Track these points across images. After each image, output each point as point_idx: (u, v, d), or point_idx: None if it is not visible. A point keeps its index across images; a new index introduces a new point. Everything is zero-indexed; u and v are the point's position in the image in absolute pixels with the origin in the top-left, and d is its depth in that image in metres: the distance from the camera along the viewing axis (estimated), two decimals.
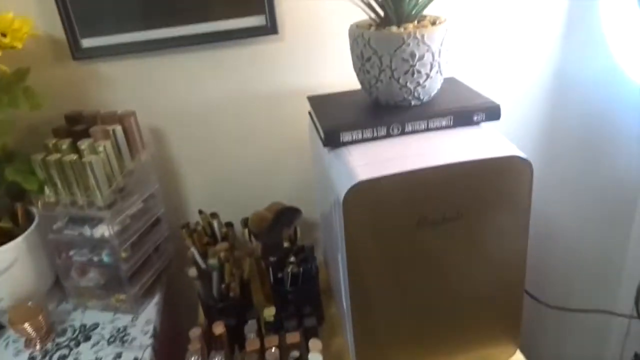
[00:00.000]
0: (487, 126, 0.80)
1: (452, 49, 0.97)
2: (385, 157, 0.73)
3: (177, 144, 1.06)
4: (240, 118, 1.04)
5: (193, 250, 1.02)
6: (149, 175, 0.97)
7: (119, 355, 0.85)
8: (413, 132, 0.79)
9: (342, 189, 0.69)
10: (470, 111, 0.80)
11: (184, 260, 0.99)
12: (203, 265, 0.96)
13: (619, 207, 1.31)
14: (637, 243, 1.35)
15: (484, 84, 1.08)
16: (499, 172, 0.72)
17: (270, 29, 0.95)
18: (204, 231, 1.08)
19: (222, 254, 0.95)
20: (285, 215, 1.04)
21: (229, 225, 1.09)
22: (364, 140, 0.79)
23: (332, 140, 0.78)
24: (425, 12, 0.81)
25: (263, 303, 1.04)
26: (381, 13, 0.80)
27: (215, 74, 1.00)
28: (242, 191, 1.12)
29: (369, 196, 0.70)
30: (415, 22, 0.80)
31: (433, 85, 0.81)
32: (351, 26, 0.82)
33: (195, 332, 0.84)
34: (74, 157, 0.84)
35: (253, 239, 1.07)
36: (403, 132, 0.79)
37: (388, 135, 0.79)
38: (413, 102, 0.82)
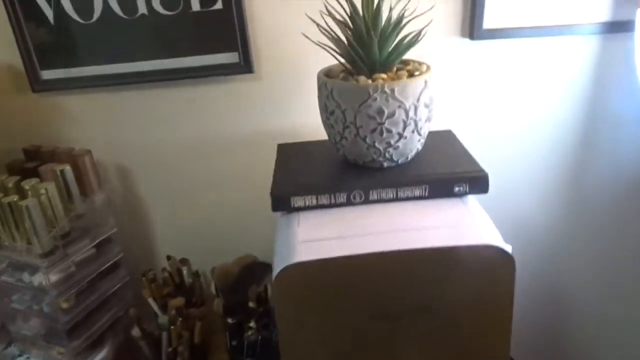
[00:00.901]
0: (471, 200, 0.67)
1: (439, 102, 0.85)
2: (336, 232, 0.61)
3: (145, 184, 0.98)
4: (213, 160, 0.95)
5: (151, 302, 0.93)
6: (104, 218, 0.89)
7: None
8: (379, 200, 0.67)
9: (278, 267, 0.58)
10: (450, 180, 0.66)
11: (147, 309, 0.90)
12: (161, 319, 0.86)
13: None
14: None
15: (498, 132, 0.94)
16: (473, 263, 0.58)
17: (244, 66, 0.85)
18: (171, 279, 0.99)
19: (173, 312, 0.85)
20: (254, 270, 0.93)
21: (196, 275, 1.00)
22: (319, 206, 0.67)
23: (281, 205, 0.67)
24: (420, 56, 0.70)
25: None
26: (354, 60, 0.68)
27: (186, 113, 0.91)
28: (213, 239, 1.02)
29: (307, 281, 0.58)
30: (394, 71, 0.68)
31: (409, 146, 0.68)
32: (319, 72, 0.71)
33: None
34: (15, 198, 0.77)
35: (220, 293, 0.97)
36: (367, 201, 0.67)
37: (349, 202, 0.67)
38: (385, 164, 0.69)
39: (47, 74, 0.86)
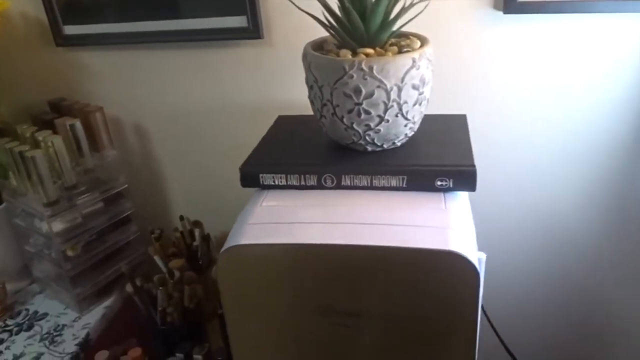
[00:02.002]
0: (455, 197, 0.59)
1: (434, 83, 0.76)
2: (293, 217, 0.58)
3: (160, 144, 0.99)
4: (223, 126, 0.93)
5: (156, 259, 0.96)
6: (115, 174, 0.92)
7: (37, 357, 0.83)
8: (352, 187, 0.62)
9: (225, 245, 0.56)
10: (430, 173, 0.59)
11: (155, 266, 0.93)
12: (156, 278, 0.89)
13: None
14: None
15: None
16: (430, 270, 0.52)
17: (253, 31, 0.81)
18: (182, 240, 1.01)
19: (168, 272, 0.87)
20: None
21: (206, 239, 1.01)
22: (289, 186, 0.63)
23: (251, 181, 0.64)
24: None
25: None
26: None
27: (198, 76, 0.90)
28: (225, 204, 1.02)
29: (249, 264, 0.55)
30: (385, 46, 0.61)
31: (393, 131, 0.61)
32: (310, 42, 0.66)
33: (101, 356, 0.77)
34: (26, 148, 0.82)
35: None
36: (339, 186, 0.62)
37: (320, 186, 0.62)
38: (369, 148, 0.64)
39: (69, 29, 0.88)
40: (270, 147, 0.69)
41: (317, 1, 0.61)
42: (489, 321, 0.86)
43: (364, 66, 0.56)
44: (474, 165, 0.59)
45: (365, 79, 0.57)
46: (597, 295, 0.98)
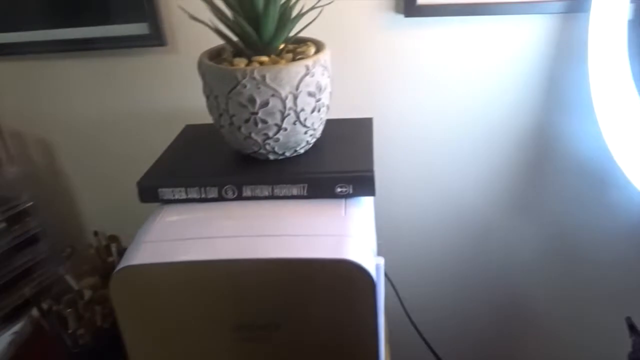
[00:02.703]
0: (354, 203, 0.59)
1: (340, 88, 0.76)
2: (193, 233, 0.56)
3: (66, 158, 0.94)
4: (133, 137, 0.90)
5: (68, 278, 0.91)
6: (17, 192, 0.87)
7: None
8: (254, 197, 0.60)
9: (118, 266, 0.54)
10: (330, 180, 0.59)
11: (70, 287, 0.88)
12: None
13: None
14: None
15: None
16: (327, 279, 0.51)
17: (155, 38, 0.79)
18: (97, 256, 0.96)
19: (80, 292, 0.83)
20: None
21: (123, 253, 0.97)
22: (189, 200, 0.61)
23: (149, 196, 0.62)
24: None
25: None
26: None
27: (103, 85, 0.86)
28: (142, 216, 0.98)
29: (144, 285, 0.53)
30: (280, 52, 0.61)
31: (293, 139, 0.61)
32: (206, 51, 0.64)
33: None
34: None
35: None
36: (240, 197, 0.61)
37: (221, 198, 0.61)
38: (271, 157, 0.63)
39: None
40: (171, 159, 0.67)
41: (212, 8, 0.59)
42: (413, 324, 0.87)
43: (256, 75, 0.55)
44: (371, 170, 0.59)
45: (259, 88, 0.56)
46: (511, 293, 1.01)
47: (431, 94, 0.82)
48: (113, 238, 0.98)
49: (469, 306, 1.03)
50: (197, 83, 0.84)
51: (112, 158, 0.93)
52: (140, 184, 0.61)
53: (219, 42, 0.78)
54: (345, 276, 0.51)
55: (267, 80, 0.55)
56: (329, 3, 0.58)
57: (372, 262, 0.52)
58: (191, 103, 0.85)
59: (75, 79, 0.86)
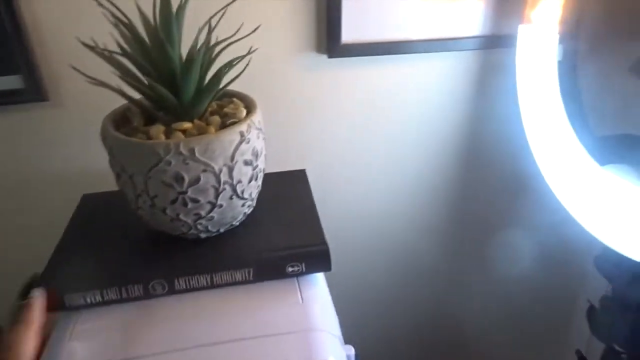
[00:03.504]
0: (308, 282, 0.52)
1: (287, 137, 0.69)
2: (117, 354, 0.44)
3: None
4: (16, 209, 0.74)
5: None
6: None
7: None
8: (189, 289, 0.51)
9: None
10: (279, 260, 0.51)
11: None
12: None
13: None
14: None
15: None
16: None
17: (33, 93, 0.64)
18: None
19: None
20: None
21: None
22: (105, 302, 0.49)
23: (52, 305, 0.49)
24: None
25: None
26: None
27: None
28: None
29: None
30: (204, 115, 0.51)
31: (230, 214, 0.52)
32: (110, 113, 0.52)
33: None
34: None
35: None
36: (172, 291, 0.50)
37: (147, 295, 0.50)
38: (203, 235, 0.53)
39: None
40: (72, 249, 0.54)
41: (110, 66, 0.48)
42: None
43: (182, 149, 0.45)
44: (325, 243, 0.52)
45: (187, 164, 0.46)
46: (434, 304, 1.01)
47: (359, 134, 0.78)
48: None
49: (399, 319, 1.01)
50: (88, 140, 0.71)
51: None
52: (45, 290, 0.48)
53: (108, 92, 0.67)
54: None
55: (197, 154, 0.46)
56: (253, 51, 0.50)
57: (344, 353, 0.46)
58: (84, 164, 0.72)
59: None
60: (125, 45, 0.48)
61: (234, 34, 0.50)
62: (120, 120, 0.53)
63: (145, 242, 0.54)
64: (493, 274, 0.99)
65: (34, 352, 0.40)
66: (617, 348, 0.64)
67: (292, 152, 0.76)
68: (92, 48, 0.47)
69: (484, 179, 0.87)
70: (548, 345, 1.12)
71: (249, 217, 0.56)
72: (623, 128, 0.64)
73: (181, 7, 0.47)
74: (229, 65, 0.49)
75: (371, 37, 0.69)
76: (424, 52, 0.71)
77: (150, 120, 0.51)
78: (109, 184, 0.69)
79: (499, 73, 0.75)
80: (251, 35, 0.50)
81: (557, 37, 0.59)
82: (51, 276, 0.50)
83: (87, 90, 0.66)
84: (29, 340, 0.40)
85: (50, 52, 0.64)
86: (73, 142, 0.70)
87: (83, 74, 0.49)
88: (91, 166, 0.72)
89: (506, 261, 0.97)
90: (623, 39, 0.73)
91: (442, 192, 0.87)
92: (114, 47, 0.47)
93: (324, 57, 0.70)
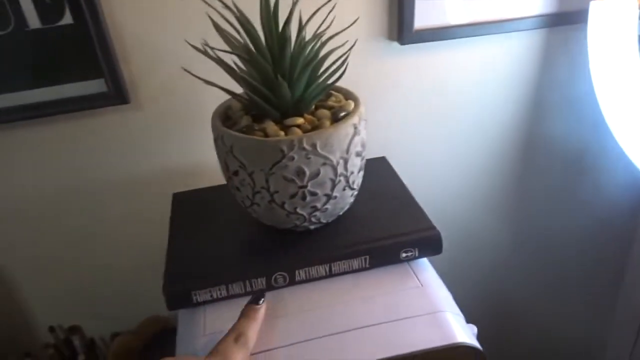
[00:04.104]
0: (419, 266, 0.54)
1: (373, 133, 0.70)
2: (256, 344, 0.46)
3: (10, 247, 0.76)
4: (92, 213, 0.75)
5: None
6: None
7: None
8: (308, 279, 0.52)
9: None
10: (395, 247, 0.53)
11: None
12: None
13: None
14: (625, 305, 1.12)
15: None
16: None
17: (116, 96, 0.65)
18: (58, 355, 0.80)
19: None
20: (166, 339, 0.76)
21: (90, 345, 0.81)
22: (230, 296, 0.51)
23: (180, 302, 0.51)
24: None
25: None
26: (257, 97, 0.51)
27: (55, 155, 0.70)
28: (103, 295, 0.83)
29: None
30: (312, 110, 0.52)
31: (340, 205, 0.53)
32: (214, 114, 0.53)
33: None
34: None
35: None
36: (292, 282, 0.52)
37: (269, 287, 0.51)
38: (312, 227, 0.54)
39: None
40: (187, 249, 0.55)
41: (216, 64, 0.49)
42: None
43: (305, 145, 0.46)
44: (435, 228, 0.54)
45: (309, 158, 0.47)
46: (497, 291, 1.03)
47: (431, 120, 0.79)
48: (74, 329, 0.83)
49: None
50: (168, 141, 0.72)
51: (62, 238, 0.77)
52: (170, 290, 0.50)
53: (186, 93, 0.68)
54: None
55: (318, 148, 0.47)
56: (354, 44, 0.51)
57: (471, 335, 0.47)
58: (163, 163, 0.73)
59: (19, 150, 0.69)
60: (238, 47, 0.49)
61: (328, 27, 0.50)
62: (223, 117, 0.53)
63: (257, 237, 0.55)
64: (547, 255, 1.01)
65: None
66: None
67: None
68: (204, 52, 0.48)
69: (548, 161, 0.88)
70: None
71: (350, 207, 0.57)
72: None
73: (294, 4, 0.48)
74: (341, 59, 0.50)
75: (441, 22, 0.69)
76: (494, 34, 0.72)
77: (254, 117, 0.52)
78: (191, 178, 0.71)
79: (568, 51, 0.76)
80: (325, 25, 0.50)
81: (637, 11, 0.60)
82: (175, 277, 0.51)
83: (161, 90, 0.68)
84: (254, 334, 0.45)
85: (130, 57, 0.65)
86: (153, 142, 0.71)
87: (196, 76, 0.49)
88: (169, 163, 0.72)
89: (562, 235, 0.99)
90: None
91: (505, 175, 0.88)
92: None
93: (396, 44, 0.70)
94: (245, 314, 0.46)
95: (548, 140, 0.86)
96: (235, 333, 0.44)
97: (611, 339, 1.16)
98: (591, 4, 0.65)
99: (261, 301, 0.48)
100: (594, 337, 1.17)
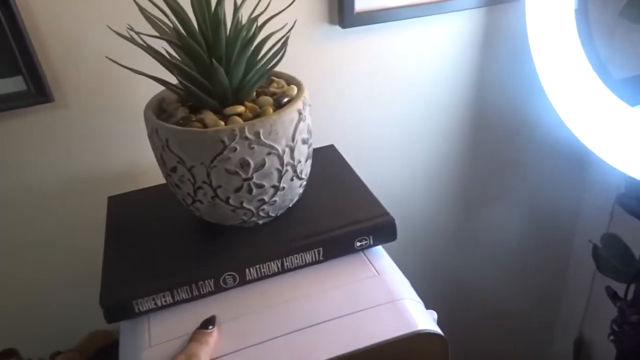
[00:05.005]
0: (374, 254, 0.52)
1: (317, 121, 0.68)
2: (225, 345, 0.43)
3: None
4: (22, 220, 0.68)
5: None
6: None
7: None
8: (259, 278, 0.49)
9: None
10: (349, 236, 0.50)
11: None
12: None
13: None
14: (573, 289, 1.16)
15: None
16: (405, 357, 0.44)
17: (38, 94, 0.59)
18: None
19: None
20: (112, 356, 0.71)
21: None
22: (176, 302, 0.47)
23: (120, 313, 0.46)
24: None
25: None
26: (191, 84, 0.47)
27: None
28: (39, 312, 0.76)
29: None
30: (253, 97, 0.49)
31: (289, 196, 0.50)
32: (147, 107, 0.49)
33: None
34: None
35: None
36: (243, 282, 0.49)
37: (218, 289, 0.48)
38: (261, 222, 0.51)
39: None
40: (125, 255, 0.51)
41: (146, 52, 0.45)
42: None
43: (248, 134, 0.43)
44: (388, 213, 0.52)
45: (252, 148, 0.44)
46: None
47: (374, 103, 0.77)
48: (9, 353, 0.76)
49: None
50: (100, 140, 0.67)
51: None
52: (107, 302, 0.45)
53: (118, 87, 0.63)
54: (423, 349, 0.44)
55: (262, 136, 0.44)
56: (290, 29, 0.48)
57: (431, 320, 0.46)
58: (100, 166, 0.68)
59: None
60: (170, 33, 0.45)
61: (266, 9, 0.48)
62: (158, 110, 0.50)
63: (201, 236, 0.52)
64: (498, 232, 1.03)
65: None
66: None
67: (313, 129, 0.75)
68: (130, 39, 0.44)
69: (493, 136, 0.89)
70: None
71: (300, 198, 0.55)
72: (631, 70, 0.67)
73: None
74: (280, 42, 0.47)
75: (382, 4, 0.68)
76: (434, 14, 0.71)
77: (190, 108, 0.49)
78: (127, 181, 0.66)
79: (508, 28, 0.76)
80: (262, 7, 0.47)
81: None
82: (113, 287, 0.47)
83: (88, 87, 0.63)
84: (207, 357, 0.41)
85: (49, 50, 0.59)
86: (84, 142, 0.65)
87: (123, 66, 0.45)
88: (106, 166, 0.67)
89: (511, 214, 1.00)
90: None
91: (453, 154, 0.88)
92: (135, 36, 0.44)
93: (337, 27, 0.68)
94: (196, 339, 0.42)
95: (494, 118, 0.86)
96: (186, 354, 0.40)
97: (559, 317, 1.20)
98: None
99: (210, 327, 0.44)
100: (544, 314, 1.20)
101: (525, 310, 1.19)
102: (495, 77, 0.82)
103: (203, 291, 0.47)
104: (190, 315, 0.46)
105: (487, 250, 1.04)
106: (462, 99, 0.82)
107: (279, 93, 0.49)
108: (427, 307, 0.49)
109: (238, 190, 0.46)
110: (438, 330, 0.44)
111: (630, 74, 0.65)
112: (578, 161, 0.95)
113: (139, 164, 0.68)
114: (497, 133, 0.89)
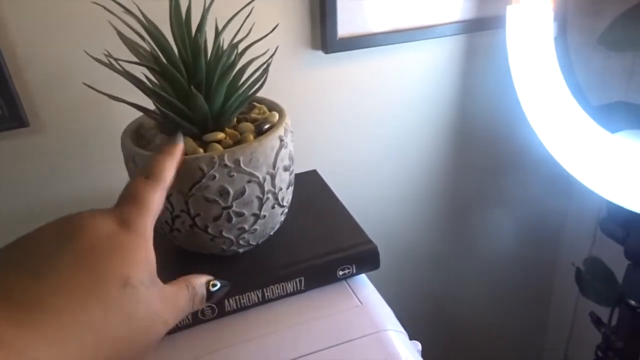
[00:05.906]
0: (357, 283, 0.51)
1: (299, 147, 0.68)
2: None
3: None
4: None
5: None
6: None
7: None
8: (239, 309, 0.48)
9: None
10: (331, 265, 0.49)
11: None
12: None
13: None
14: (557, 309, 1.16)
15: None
16: None
17: (11, 119, 0.58)
18: None
19: None
20: None
21: None
22: None
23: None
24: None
25: None
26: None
27: None
28: None
29: None
30: (233, 124, 0.48)
31: (270, 224, 0.49)
32: (124, 133, 0.48)
33: None
34: None
35: None
36: (222, 314, 0.47)
37: (196, 321, 0.47)
38: (241, 250, 0.50)
39: None
40: None
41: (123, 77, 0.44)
42: None
43: (227, 161, 0.42)
44: (371, 241, 0.51)
45: (232, 176, 0.43)
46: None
47: (358, 129, 0.77)
48: None
49: None
50: (76, 166, 0.65)
51: None
52: None
53: (91, 111, 0.62)
54: None
55: (242, 164, 0.43)
56: (272, 55, 0.48)
57: (415, 352, 0.45)
58: (76, 193, 0.66)
59: None
60: (147, 58, 0.44)
61: (247, 35, 0.47)
62: (135, 136, 0.48)
63: (179, 265, 0.50)
64: (482, 258, 1.02)
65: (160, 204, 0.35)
66: (634, 303, 0.68)
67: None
68: (109, 65, 0.43)
69: (476, 160, 0.89)
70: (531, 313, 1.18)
71: (281, 226, 0.53)
72: (609, 97, 0.68)
73: (206, 9, 0.44)
74: (262, 68, 0.47)
75: (365, 30, 0.68)
76: (417, 40, 0.71)
77: (169, 135, 0.48)
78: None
79: (489, 55, 0.77)
80: (243, 33, 0.47)
81: (552, 14, 0.62)
82: None
83: (64, 112, 0.61)
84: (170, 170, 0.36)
85: (25, 73, 0.58)
86: (59, 168, 0.64)
87: (99, 91, 0.44)
88: (82, 193, 0.66)
89: (494, 238, 1.00)
90: (590, 14, 0.77)
91: (437, 179, 0.88)
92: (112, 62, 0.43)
93: (320, 53, 0.68)
94: (160, 150, 0.38)
95: (477, 144, 0.87)
96: (145, 170, 0.36)
97: (545, 343, 1.19)
98: (507, 8, 0.66)
99: (180, 139, 0.40)
100: (530, 340, 1.20)
101: (510, 336, 1.18)
102: (478, 103, 0.82)
103: (180, 324, 0.46)
104: (166, 350, 0.44)
105: (471, 276, 1.04)
106: (445, 125, 0.83)
107: (260, 119, 0.49)
108: (411, 336, 0.48)
109: (217, 218, 0.45)
110: None
111: (608, 101, 0.66)
112: (561, 185, 0.95)
113: (118, 190, 0.66)
114: (480, 159, 0.89)
